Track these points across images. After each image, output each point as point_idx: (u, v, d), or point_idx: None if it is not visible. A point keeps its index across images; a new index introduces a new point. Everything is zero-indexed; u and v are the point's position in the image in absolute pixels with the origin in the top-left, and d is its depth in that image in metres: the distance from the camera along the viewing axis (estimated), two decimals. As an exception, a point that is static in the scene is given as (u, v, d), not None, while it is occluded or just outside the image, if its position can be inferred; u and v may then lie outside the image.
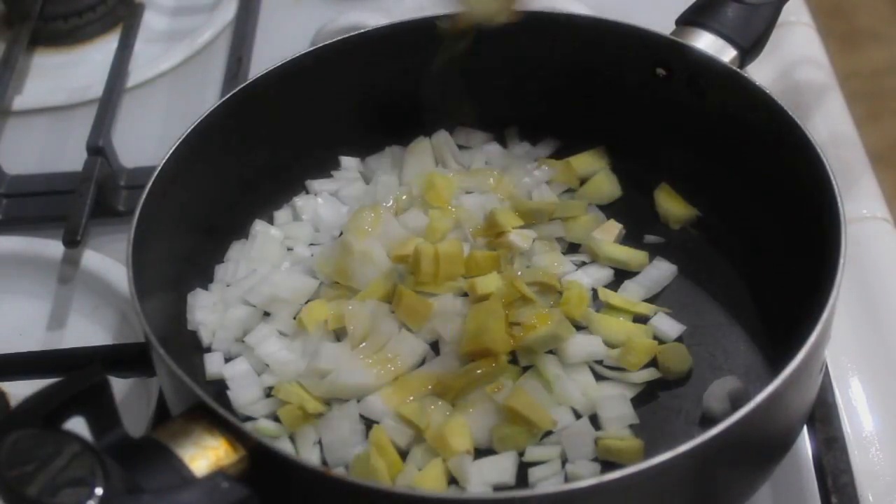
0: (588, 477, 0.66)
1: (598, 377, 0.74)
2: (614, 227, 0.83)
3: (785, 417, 0.65)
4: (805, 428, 0.72)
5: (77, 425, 0.54)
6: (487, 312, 0.75)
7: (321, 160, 0.89)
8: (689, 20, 0.83)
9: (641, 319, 0.77)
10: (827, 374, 0.75)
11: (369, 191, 0.87)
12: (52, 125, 1.05)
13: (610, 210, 0.86)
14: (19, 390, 0.80)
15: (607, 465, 0.69)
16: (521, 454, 0.69)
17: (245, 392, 0.74)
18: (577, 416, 0.72)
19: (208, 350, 0.78)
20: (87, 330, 0.87)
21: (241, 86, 0.82)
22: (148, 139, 0.98)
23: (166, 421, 0.60)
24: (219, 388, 0.75)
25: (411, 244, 0.79)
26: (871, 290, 0.84)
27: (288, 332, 0.78)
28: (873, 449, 0.75)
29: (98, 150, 0.93)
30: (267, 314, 0.79)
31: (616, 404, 0.71)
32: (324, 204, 0.86)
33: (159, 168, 0.74)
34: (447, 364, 0.74)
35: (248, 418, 0.73)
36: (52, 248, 0.90)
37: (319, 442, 0.71)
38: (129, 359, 0.79)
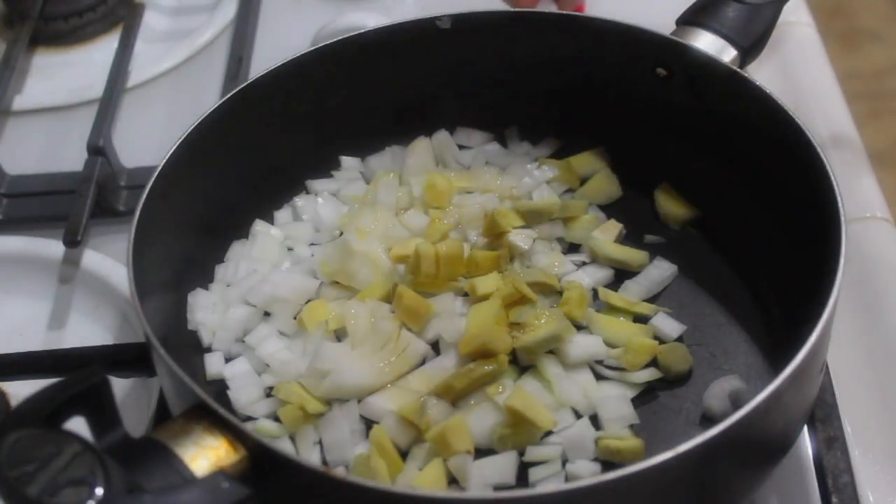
0: (588, 477, 0.66)
1: (599, 377, 0.74)
2: (614, 227, 0.83)
3: (785, 417, 0.65)
4: (805, 428, 0.72)
5: (77, 425, 0.54)
6: (488, 312, 0.75)
7: (321, 160, 0.89)
8: (689, 20, 0.83)
9: (642, 319, 0.77)
10: (827, 374, 0.75)
11: (370, 191, 0.87)
12: (52, 125, 1.05)
13: (610, 210, 0.86)
14: (19, 390, 0.80)
15: (607, 465, 0.69)
16: (521, 454, 0.69)
17: (245, 392, 0.74)
18: (578, 416, 0.72)
19: (208, 350, 0.78)
20: (87, 330, 0.87)
21: (241, 86, 0.82)
22: (148, 139, 0.98)
23: (166, 421, 0.60)
24: (219, 388, 0.75)
25: (411, 244, 0.79)
26: (871, 290, 0.84)
27: (288, 332, 0.78)
28: (873, 449, 0.75)
29: (98, 150, 0.93)
30: (267, 314, 0.79)
31: (616, 404, 0.71)
32: (324, 204, 0.86)
33: (159, 168, 0.74)
34: (447, 364, 0.74)
35: (249, 418, 0.73)
36: (53, 248, 0.90)
37: (319, 442, 0.71)
38: (129, 359, 0.79)
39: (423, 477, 0.67)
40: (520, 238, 0.80)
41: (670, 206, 0.85)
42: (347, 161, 0.90)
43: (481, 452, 0.69)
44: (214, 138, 0.79)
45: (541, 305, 0.76)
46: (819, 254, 0.67)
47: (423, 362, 0.75)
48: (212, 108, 0.79)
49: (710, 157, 0.83)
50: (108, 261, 0.89)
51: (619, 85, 0.86)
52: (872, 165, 0.96)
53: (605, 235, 0.82)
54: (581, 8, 1.05)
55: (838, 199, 0.68)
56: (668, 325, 0.76)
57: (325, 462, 0.70)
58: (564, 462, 0.69)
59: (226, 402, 0.74)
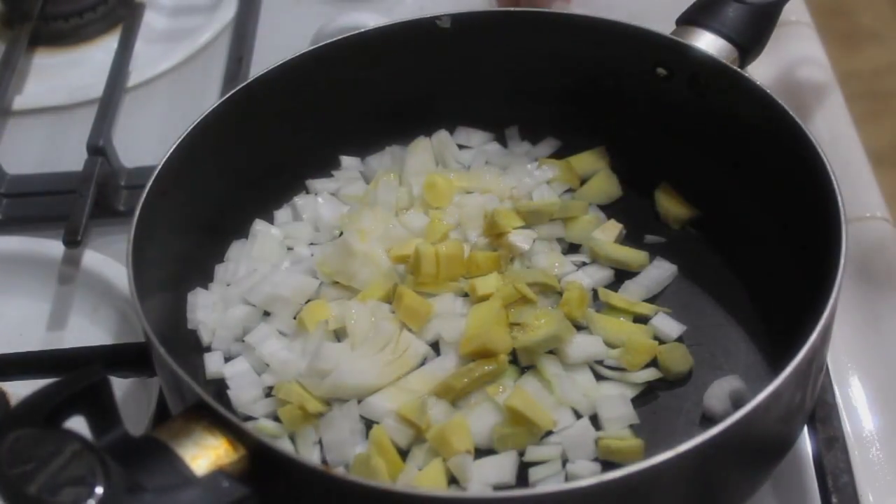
0: (588, 477, 0.66)
1: (599, 377, 0.74)
2: (614, 227, 0.83)
3: (785, 417, 0.65)
4: (805, 428, 0.72)
5: (77, 424, 0.54)
6: (488, 313, 0.75)
7: (321, 160, 0.89)
8: (689, 20, 0.83)
9: (642, 319, 0.77)
10: (827, 374, 0.75)
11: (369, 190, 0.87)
12: (52, 125, 1.05)
13: (610, 210, 0.86)
14: (19, 390, 0.80)
15: (607, 465, 0.69)
16: (521, 454, 0.69)
17: (245, 391, 0.74)
18: (578, 416, 0.72)
19: (208, 349, 0.78)
20: (87, 330, 0.87)
21: (241, 86, 0.82)
22: (148, 139, 0.98)
23: (167, 420, 0.60)
24: (219, 387, 0.75)
25: (411, 244, 0.79)
26: (871, 290, 0.84)
27: (288, 331, 0.78)
28: (873, 449, 0.75)
29: (98, 150, 0.93)
30: (267, 314, 0.79)
31: (616, 404, 0.71)
32: (324, 204, 0.86)
33: (159, 168, 0.74)
34: (447, 364, 0.74)
35: (249, 418, 0.73)
36: (52, 248, 0.90)
37: (319, 442, 0.71)
38: (129, 359, 0.79)
39: (423, 477, 0.67)
40: (520, 238, 0.80)
41: (670, 206, 0.85)
42: (347, 161, 0.90)
43: (481, 452, 0.69)
44: (214, 138, 0.79)
45: (541, 306, 0.76)
46: (819, 254, 0.67)
47: (423, 362, 0.75)
48: (212, 108, 0.79)
49: (710, 157, 0.83)
50: (108, 261, 0.89)
51: (619, 85, 0.86)
52: (872, 165, 0.96)
53: (605, 235, 0.82)
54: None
55: (838, 199, 0.68)
56: (668, 326, 0.76)
57: (324, 462, 0.70)
58: (564, 462, 0.69)
59: (226, 401, 0.74)
